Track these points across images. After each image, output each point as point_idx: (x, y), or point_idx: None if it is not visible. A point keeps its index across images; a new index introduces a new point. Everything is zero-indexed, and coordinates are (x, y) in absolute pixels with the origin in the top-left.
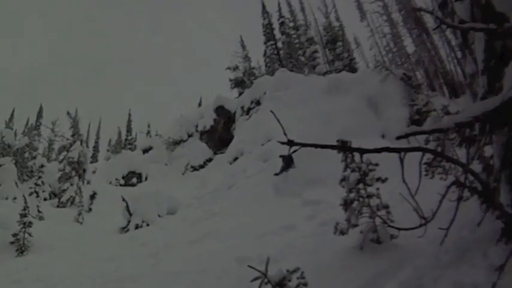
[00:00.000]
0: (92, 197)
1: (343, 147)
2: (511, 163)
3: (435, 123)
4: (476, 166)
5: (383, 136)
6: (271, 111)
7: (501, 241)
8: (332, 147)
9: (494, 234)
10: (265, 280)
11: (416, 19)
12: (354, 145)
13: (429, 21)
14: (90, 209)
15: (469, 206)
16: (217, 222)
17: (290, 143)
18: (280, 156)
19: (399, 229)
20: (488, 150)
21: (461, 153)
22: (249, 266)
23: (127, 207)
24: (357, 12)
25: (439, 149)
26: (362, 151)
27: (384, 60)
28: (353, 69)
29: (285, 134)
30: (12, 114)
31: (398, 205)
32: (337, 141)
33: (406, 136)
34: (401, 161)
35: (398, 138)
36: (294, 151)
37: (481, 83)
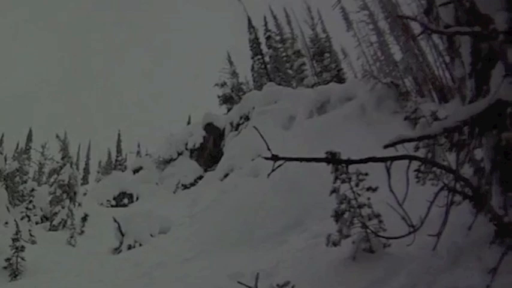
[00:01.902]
0: (84, 219)
1: (328, 159)
2: (502, 165)
3: (424, 130)
4: (468, 170)
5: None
6: (254, 127)
7: (495, 243)
8: (317, 160)
9: (488, 236)
10: None
11: (403, 26)
12: (346, 153)
13: (416, 27)
14: (82, 231)
15: (461, 210)
16: (212, 239)
17: (274, 158)
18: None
19: (388, 238)
20: (479, 154)
21: (452, 158)
22: (238, 282)
23: (119, 228)
24: (343, 22)
25: (429, 155)
26: (348, 162)
27: (372, 69)
28: (341, 80)
29: (269, 149)
30: (1, 139)
31: (391, 213)
32: (327, 153)
33: (393, 144)
34: (388, 170)
35: (385, 147)
36: (279, 165)
37: (469, 86)
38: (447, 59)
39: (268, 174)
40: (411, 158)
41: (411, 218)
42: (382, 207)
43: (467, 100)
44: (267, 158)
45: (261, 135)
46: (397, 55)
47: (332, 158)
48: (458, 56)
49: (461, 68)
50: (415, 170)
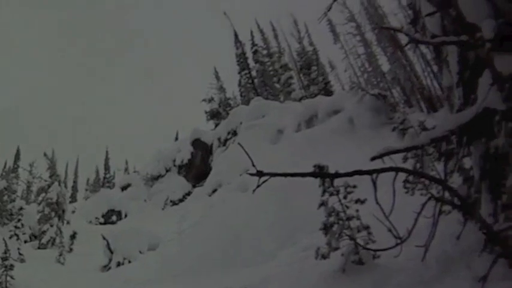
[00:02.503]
0: (73, 237)
1: (314, 174)
2: (491, 173)
3: (411, 141)
4: (458, 178)
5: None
6: (239, 144)
7: (485, 251)
8: (302, 174)
9: (478, 245)
10: None
11: (390, 37)
12: (335, 167)
13: (403, 37)
14: (71, 249)
15: (451, 219)
16: (199, 256)
17: (259, 174)
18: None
19: (375, 250)
20: (467, 162)
21: (441, 167)
22: None
23: (108, 245)
24: (330, 35)
25: (418, 165)
26: (333, 176)
27: (360, 81)
28: (328, 93)
29: (254, 166)
30: None
31: (381, 224)
32: (314, 166)
33: (380, 156)
34: (374, 183)
35: (372, 159)
36: (265, 181)
37: (457, 95)
38: (435, 68)
39: (253, 190)
40: (397, 169)
41: (402, 229)
42: (371, 219)
43: (455, 109)
44: (252, 174)
45: (246, 152)
46: (385, 66)
47: (317, 173)
48: (446, 65)
49: (449, 77)
50: (404, 181)
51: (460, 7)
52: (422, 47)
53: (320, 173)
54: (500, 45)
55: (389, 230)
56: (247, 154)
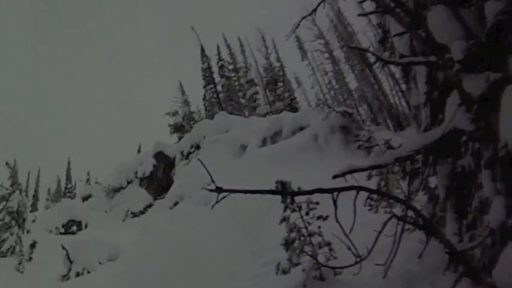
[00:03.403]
0: (32, 245)
1: (274, 191)
2: (456, 192)
3: (375, 159)
4: (423, 197)
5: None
6: (199, 160)
7: (449, 269)
8: (262, 192)
9: (442, 264)
10: None
11: (359, 55)
12: (297, 183)
13: (372, 56)
14: (30, 258)
15: (416, 237)
16: (159, 269)
17: (218, 190)
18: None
19: (334, 268)
20: (433, 181)
21: (406, 186)
22: None
23: (67, 255)
24: (298, 51)
25: (382, 183)
26: (293, 194)
27: (326, 98)
28: (294, 109)
29: (213, 182)
30: None
31: (345, 240)
32: (277, 182)
33: (343, 175)
34: (335, 201)
35: (334, 177)
36: (224, 197)
37: (424, 115)
38: (403, 87)
39: (212, 206)
40: (359, 188)
41: (367, 245)
42: (336, 234)
43: (422, 128)
44: (210, 190)
45: (206, 169)
46: (352, 84)
47: (277, 190)
48: (414, 84)
49: (417, 96)
50: (367, 199)
51: (430, 28)
52: (391, 66)
53: (280, 190)
54: (470, 67)
55: (349, 248)
56: (207, 170)
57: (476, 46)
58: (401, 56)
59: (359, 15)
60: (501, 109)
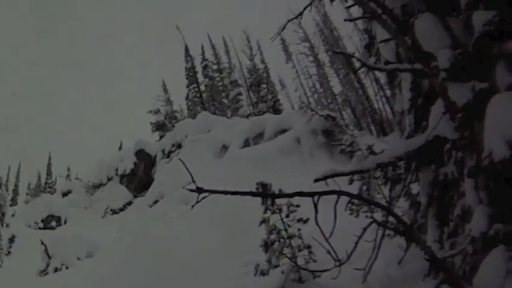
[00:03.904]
0: (11, 240)
1: (254, 193)
2: (438, 200)
3: (357, 164)
4: (404, 203)
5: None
6: (180, 159)
7: (429, 276)
8: (242, 193)
9: (422, 270)
10: None
11: (344, 59)
12: (278, 185)
13: (357, 61)
14: (9, 252)
15: (397, 243)
16: (137, 266)
17: (199, 190)
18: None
19: (312, 271)
20: (415, 188)
21: (388, 191)
22: None
23: (46, 250)
24: (283, 54)
25: (364, 188)
26: (274, 196)
27: (310, 101)
28: (277, 111)
29: (194, 181)
30: None
31: (325, 244)
32: (257, 183)
33: (325, 178)
34: (315, 205)
35: (316, 180)
36: (204, 197)
37: (408, 121)
38: (388, 92)
39: (192, 206)
40: (340, 193)
41: (348, 249)
42: (315, 238)
43: (405, 135)
44: (191, 190)
45: (186, 168)
46: (337, 88)
47: (258, 192)
48: (399, 90)
49: (401, 102)
50: (348, 203)
51: (417, 36)
52: (376, 71)
53: (261, 192)
54: (456, 76)
55: (328, 252)
56: (188, 170)
57: (463, 55)
58: (387, 62)
59: (346, 20)
60: (486, 119)
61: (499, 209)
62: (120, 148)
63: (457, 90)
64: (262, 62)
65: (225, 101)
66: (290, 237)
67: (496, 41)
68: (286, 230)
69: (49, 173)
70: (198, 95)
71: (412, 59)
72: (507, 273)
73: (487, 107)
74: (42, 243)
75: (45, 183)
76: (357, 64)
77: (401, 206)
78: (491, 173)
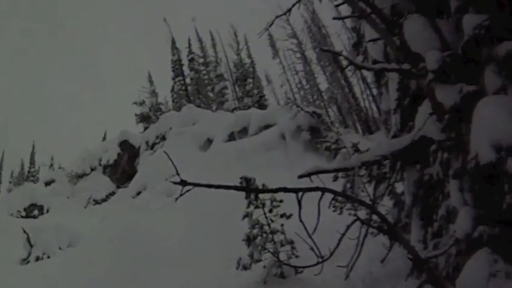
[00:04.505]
0: None
1: (238, 187)
2: (423, 200)
3: (342, 162)
4: (388, 202)
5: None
6: (165, 152)
7: (412, 275)
8: (226, 187)
9: (405, 269)
10: None
11: (332, 57)
12: (262, 180)
13: (345, 59)
14: None
15: (380, 241)
16: (118, 257)
17: (183, 183)
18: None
19: (295, 267)
20: (399, 187)
21: (372, 189)
22: None
23: (28, 239)
24: (270, 49)
25: (348, 185)
26: (258, 191)
27: (295, 97)
28: (263, 106)
29: (178, 174)
30: None
31: (308, 240)
32: (241, 178)
33: (309, 175)
34: (299, 201)
35: (300, 177)
36: (188, 190)
37: (394, 121)
38: (374, 91)
39: (176, 199)
40: (324, 190)
41: (331, 246)
42: (299, 234)
43: (390, 134)
44: (175, 183)
45: (171, 161)
46: (323, 85)
47: (242, 187)
48: (386, 89)
49: (388, 102)
50: (332, 200)
51: (406, 36)
52: (363, 70)
53: (245, 187)
54: (444, 77)
55: (311, 249)
56: (173, 163)
57: (452, 57)
58: (375, 62)
59: (334, 18)
60: (473, 122)
61: (483, 211)
62: (104, 139)
63: (445, 92)
64: (249, 56)
65: (211, 94)
66: (273, 232)
67: (486, 45)
68: (269, 225)
69: (32, 162)
70: (183, 87)
71: (400, 60)
72: (490, 276)
73: (475, 110)
74: (25, 231)
75: (28, 172)
76: (345, 62)
77: (386, 205)
78: (477, 176)
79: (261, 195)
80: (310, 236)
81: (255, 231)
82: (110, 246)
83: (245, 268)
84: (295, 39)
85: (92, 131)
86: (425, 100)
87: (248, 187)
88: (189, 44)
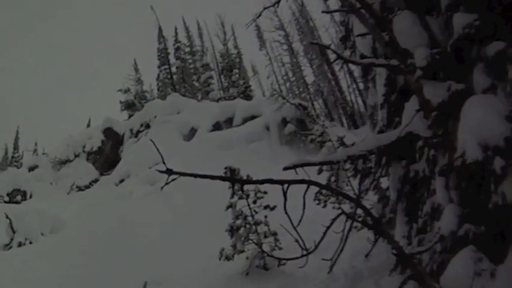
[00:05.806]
0: None
1: (223, 177)
2: (408, 196)
3: (328, 155)
4: (373, 196)
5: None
6: (151, 140)
7: (396, 270)
8: (211, 177)
9: (389, 264)
10: None
11: (319, 50)
12: (246, 171)
13: (332, 52)
14: None
15: (364, 235)
16: (100, 244)
17: (169, 172)
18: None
19: (279, 259)
20: (384, 182)
21: (356, 183)
22: None
23: (10, 224)
24: (257, 40)
25: (332, 179)
26: (243, 182)
27: (281, 89)
28: (248, 97)
29: (164, 163)
30: None
31: (292, 232)
32: (225, 168)
33: (294, 167)
34: (285, 193)
35: (285, 169)
36: (174, 179)
37: (381, 116)
38: (361, 85)
39: (162, 187)
40: (309, 183)
41: (315, 239)
42: (283, 225)
43: (376, 129)
44: (161, 172)
45: (157, 150)
46: (309, 77)
47: (227, 177)
48: (372, 84)
49: (374, 97)
50: (316, 193)
51: (395, 32)
52: (350, 64)
53: (230, 177)
54: (432, 74)
55: (296, 241)
56: (159, 151)
57: (441, 55)
58: (363, 56)
59: (323, 12)
60: (461, 120)
61: (469, 209)
62: (88, 125)
63: (433, 89)
64: (236, 47)
65: (196, 83)
66: (256, 223)
67: (475, 44)
68: (252, 216)
69: (16, 147)
70: (169, 76)
71: (389, 55)
72: (475, 274)
73: (463, 108)
74: (7, 217)
75: (12, 157)
76: (332, 56)
77: (370, 200)
78: (463, 174)
79: (245, 186)
80: (295, 228)
81: (239, 222)
82: (91, 233)
83: (228, 259)
84: (282, 31)
85: (76, 117)
86: (413, 96)
87: (234, 178)
88: (176, 33)
